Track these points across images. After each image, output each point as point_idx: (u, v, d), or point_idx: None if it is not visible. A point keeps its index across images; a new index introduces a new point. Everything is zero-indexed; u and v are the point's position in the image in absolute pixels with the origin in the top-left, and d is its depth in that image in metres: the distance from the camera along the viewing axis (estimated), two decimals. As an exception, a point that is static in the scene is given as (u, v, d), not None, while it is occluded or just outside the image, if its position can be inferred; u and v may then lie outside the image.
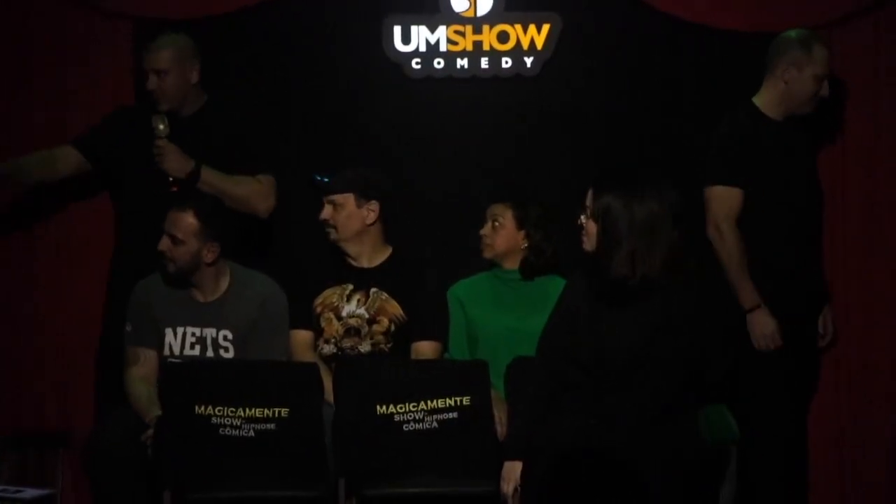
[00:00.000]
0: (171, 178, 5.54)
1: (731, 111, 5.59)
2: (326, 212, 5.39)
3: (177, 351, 5.31)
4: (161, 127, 5.54)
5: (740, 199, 5.48)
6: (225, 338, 5.31)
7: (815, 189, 5.64)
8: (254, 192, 5.63)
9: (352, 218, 5.38)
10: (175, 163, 5.54)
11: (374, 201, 5.39)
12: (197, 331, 5.32)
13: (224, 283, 5.36)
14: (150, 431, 4.97)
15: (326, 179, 5.39)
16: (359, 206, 5.38)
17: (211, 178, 5.56)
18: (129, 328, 5.34)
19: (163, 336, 5.32)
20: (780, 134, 5.54)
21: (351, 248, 5.42)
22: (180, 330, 5.32)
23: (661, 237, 4.51)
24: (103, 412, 5.45)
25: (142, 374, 5.27)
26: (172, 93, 5.62)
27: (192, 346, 5.32)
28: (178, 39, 5.67)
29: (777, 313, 5.46)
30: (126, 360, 5.32)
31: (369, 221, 5.40)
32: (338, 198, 5.38)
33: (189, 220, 5.24)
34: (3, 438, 5.69)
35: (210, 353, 5.30)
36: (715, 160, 5.52)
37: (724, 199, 5.48)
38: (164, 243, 5.25)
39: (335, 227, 5.38)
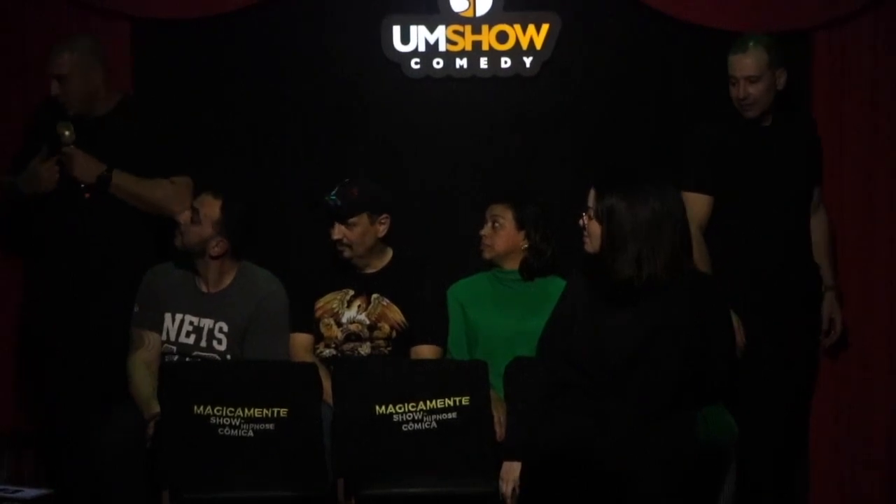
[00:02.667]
0: (82, 185, 5.50)
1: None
2: (339, 231, 5.34)
3: (172, 337, 5.35)
4: (67, 134, 5.46)
5: (708, 205, 5.55)
6: (220, 329, 5.33)
7: (796, 187, 5.64)
8: (168, 196, 5.55)
9: (366, 235, 5.36)
10: (83, 169, 5.49)
11: (384, 214, 5.37)
12: (195, 320, 5.35)
13: (229, 278, 5.39)
14: (151, 428, 4.97)
15: (336, 198, 5.32)
16: (372, 223, 5.36)
17: (122, 182, 5.51)
18: (136, 309, 5.37)
19: (163, 320, 5.36)
20: (755, 135, 5.58)
21: (362, 262, 5.41)
22: (179, 317, 5.36)
23: (665, 238, 4.51)
24: (94, 410, 5.38)
25: (145, 358, 5.31)
26: (76, 97, 5.54)
27: (188, 335, 5.35)
28: (78, 43, 5.58)
29: (759, 314, 5.48)
30: (131, 343, 5.35)
31: (381, 235, 5.39)
32: (351, 219, 5.35)
33: (216, 207, 5.30)
34: (1, 438, 5.69)
35: (203, 344, 5.33)
36: (685, 166, 5.59)
37: (691, 205, 5.50)
38: (185, 216, 5.31)
39: (349, 246, 5.35)
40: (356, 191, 5.34)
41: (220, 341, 5.33)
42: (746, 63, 5.51)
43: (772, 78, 5.53)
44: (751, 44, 5.52)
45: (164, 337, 5.35)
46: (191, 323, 5.35)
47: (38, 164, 5.51)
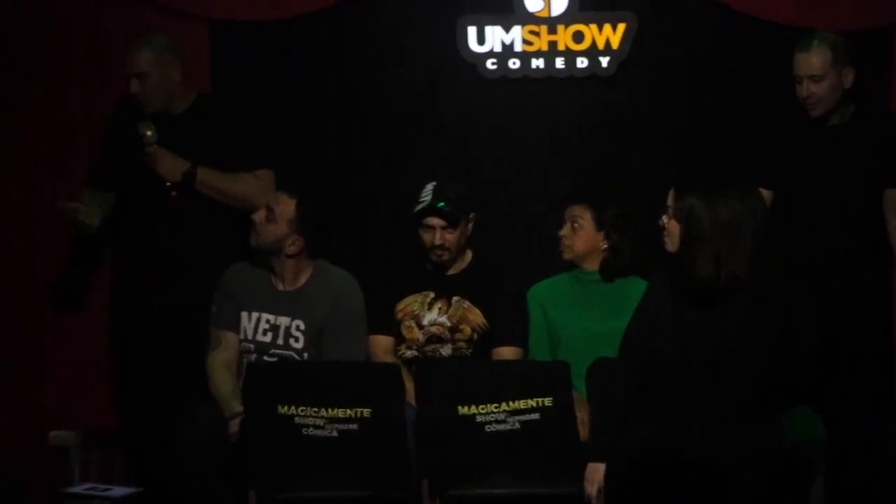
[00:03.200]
0: (167, 184, 5.55)
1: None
2: (442, 237, 5.36)
3: (250, 335, 5.38)
4: (149, 133, 5.52)
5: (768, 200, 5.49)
6: (297, 328, 5.37)
7: (861, 187, 5.58)
8: (252, 190, 5.59)
9: (462, 236, 5.40)
10: (168, 167, 5.53)
11: (472, 213, 5.41)
12: (272, 318, 5.39)
13: (304, 277, 5.42)
14: (235, 428, 5.01)
15: (443, 204, 5.33)
16: (466, 224, 5.40)
17: (207, 178, 5.56)
18: (214, 309, 5.41)
19: (240, 319, 5.40)
20: (819, 133, 5.56)
21: (450, 264, 5.45)
22: (255, 315, 5.40)
23: (746, 237, 4.49)
24: (182, 408, 5.41)
25: (224, 359, 5.34)
26: (155, 95, 5.58)
27: (265, 333, 5.38)
28: (156, 41, 5.62)
29: (819, 313, 5.48)
30: (209, 343, 5.39)
31: (469, 234, 5.43)
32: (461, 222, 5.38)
33: (290, 206, 5.33)
34: (91, 437, 5.73)
35: (280, 342, 5.37)
36: (749, 160, 5.61)
37: None
38: (260, 214, 5.35)
39: (449, 250, 5.38)
40: (452, 192, 5.36)
41: (296, 339, 5.37)
42: (811, 62, 5.48)
43: (837, 77, 5.49)
44: (815, 42, 5.49)
45: (241, 335, 5.39)
46: (267, 321, 5.39)
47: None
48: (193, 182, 5.54)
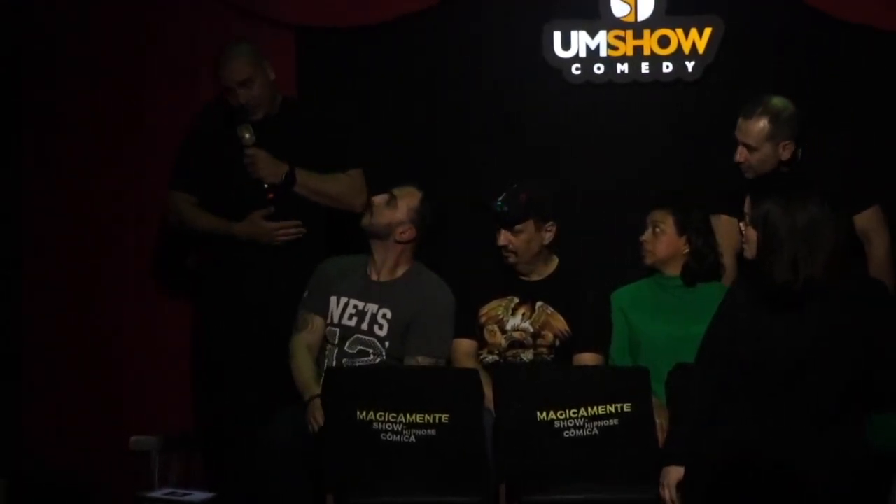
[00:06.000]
0: (266, 186, 5.57)
1: None
2: (505, 238, 5.33)
3: (336, 319, 5.40)
4: (247, 136, 5.55)
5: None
6: (384, 316, 5.38)
7: None
8: (346, 189, 5.66)
9: (531, 242, 5.35)
10: (268, 169, 5.57)
11: (551, 222, 5.37)
12: (360, 304, 5.41)
13: (401, 271, 5.45)
14: (312, 413, 5.04)
15: (503, 204, 5.32)
16: (538, 230, 5.35)
17: (306, 180, 5.61)
18: (305, 295, 5.45)
19: (328, 304, 5.43)
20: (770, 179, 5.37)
21: (526, 268, 5.41)
22: (344, 300, 5.43)
23: (824, 241, 4.47)
24: (263, 413, 5.44)
25: (308, 340, 5.39)
26: (261, 98, 5.61)
27: (351, 318, 5.41)
28: (245, 48, 5.65)
29: None
30: (295, 326, 5.43)
31: (547, 242, 5.38)
32: (517, 226, 5.35)
33: (416, 198, 5.41)
34: (170, 440, 5.78)
35: (365, 327, 5.38)
36: (719, 188, 5.54)
37: (723, 229, 5.46)
38: (381, 197, 5.41)
39: (514, 252, 5.36)
40: (524, 196, 5.33)
41: (381, 327, 5.38)
42: (748, 129, 5.37)
43: (772, 150, 5.37)
44: (758, 110, 5.36)
45: (328, 319, 5.41)
46: (355, 306, 5.42)
47: (258, 218, 5.60)
48: (294, 183, 5.59)
